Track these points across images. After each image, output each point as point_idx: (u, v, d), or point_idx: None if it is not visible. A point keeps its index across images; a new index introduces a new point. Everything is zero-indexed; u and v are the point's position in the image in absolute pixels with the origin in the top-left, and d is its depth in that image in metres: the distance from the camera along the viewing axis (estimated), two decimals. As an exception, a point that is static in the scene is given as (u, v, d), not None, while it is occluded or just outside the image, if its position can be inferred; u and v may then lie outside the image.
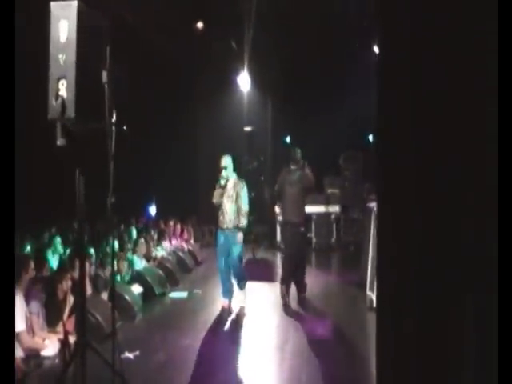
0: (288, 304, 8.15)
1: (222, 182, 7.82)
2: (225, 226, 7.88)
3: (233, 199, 7.85)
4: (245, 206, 7.87)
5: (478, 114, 2.26)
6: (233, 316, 7.60)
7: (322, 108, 14.57)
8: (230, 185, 7.86)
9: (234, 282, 8.07)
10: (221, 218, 7.91)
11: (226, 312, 7.73)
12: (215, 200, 7.89)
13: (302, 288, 8.55)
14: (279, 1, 11.62)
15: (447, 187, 2.34)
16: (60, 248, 8.75)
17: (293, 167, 8.56)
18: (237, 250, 7.90)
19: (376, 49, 11.21)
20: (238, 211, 7.85)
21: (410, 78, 2.41)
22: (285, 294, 8.28)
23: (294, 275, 8.50)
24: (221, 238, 7.97)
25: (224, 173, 7.82)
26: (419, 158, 2.39)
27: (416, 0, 2.44)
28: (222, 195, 7.84)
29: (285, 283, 8.37)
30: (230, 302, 7.95)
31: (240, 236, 7.88)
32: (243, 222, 7.85)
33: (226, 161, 7.89)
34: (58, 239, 8.88)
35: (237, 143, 14.46)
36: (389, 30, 2.53)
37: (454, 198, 2.32)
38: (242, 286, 8.11)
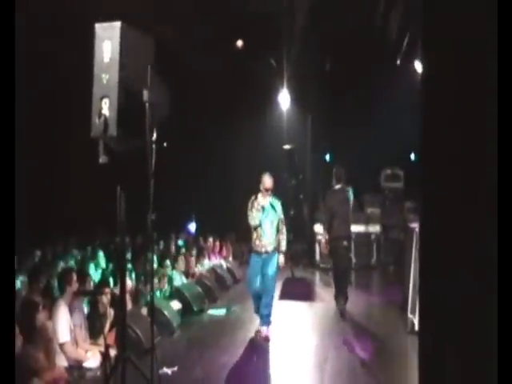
0: (344, 314, 8.57)
1: (264, 203, 7.38)
2: (263, 250, 7.40)
3: (273, 223, 7.44)
4: (285, 229, 7.59)
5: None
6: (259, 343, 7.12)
7: (362, 125, 14.49)
8: (270, 207, 7.43)
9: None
10: (257, 242, 7.43)
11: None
12: (254, 222, 7.38)
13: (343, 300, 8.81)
14: (319, 18, 11.66)
15: (495, 208, 2.27)
16: (102, 262, 8.90)
17: (337, 187, 9.00)
18: (273, 271, 7.44)
19: (417, 65, 11.13)
20: (278, 234, 7.48)
21: (455, 95, 2.37)
22: (341, 305, 8.71)
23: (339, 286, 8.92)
24: (257, 262, 7.48)
25: (267, 195, 7.44)
26: (464, 177, 2.34)
27: (460, 15, 2.41)
28: (261, 218, 7.36)
29: (338, 297, 8.87)
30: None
31: (281, 260, 7.55)
32: (284, 244, 7.54)
33: (271, 182, 7.48)
34: (101, 253, 9.04)
35: (276, 161, 14.50)
36: (433, 47, 2.51)
37: (504, 220, 2.25)
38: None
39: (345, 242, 8.92)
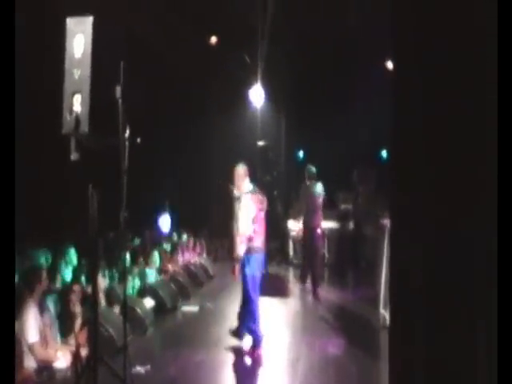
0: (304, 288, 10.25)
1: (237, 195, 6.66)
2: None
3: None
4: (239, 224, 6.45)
5: (493, 130, 2.22)
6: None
7: (335, 123, 14.58)
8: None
9: None
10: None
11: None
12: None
13: (317, 283, 10.13)
14: (293, 15, 11.69)
15: (462, 204, 2.30)
16: (74, 260, 8.76)
17: (308, 183, 10.36)
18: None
19: (389, 64, 11.23)
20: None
21: (424, 94, 2.39)
22: (303, 282, 10.52)
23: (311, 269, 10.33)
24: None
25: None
26: (433, 174, 2.36)
27: (429, 15, 2.42)
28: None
29: (303, 274, 10.54)
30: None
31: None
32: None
33: (240, 171, 6.70)
34: (72, 251, 8.90)
35: (250, 158, 14.46)
36: (402, 46, 2.52)
37: (472, 216, 2.28)
38: None
39: (319, 230, 10.44)
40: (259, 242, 6.54)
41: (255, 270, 6.44)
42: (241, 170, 6.74)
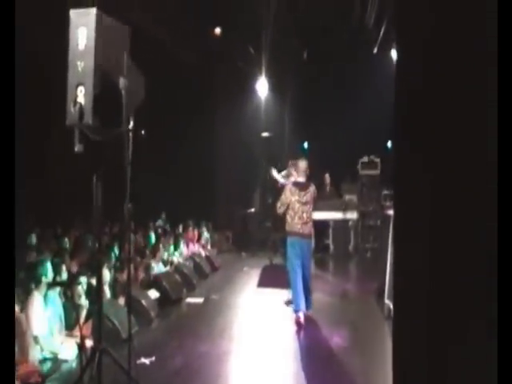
0: None
1: None
2: None
3: None
4: None
5: (503, 122, 2.20)
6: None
7: (340, 114, 14.54)
8: None
9: None
10: None
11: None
12: None
13: None
14: (297, 6, 11.65)
15: (466, 195, 2.30)
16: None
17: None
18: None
19: (394, 54, 11.19)
20: None
21: (429, 84, 2.37)
22: None
23: None
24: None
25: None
26: (438, 165, 2.35)
27: (435, 5, 2.41)
28: None
29: None
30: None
31: None
32: None
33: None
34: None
35: (254, 149, 14.50)
36: (407, 35, 2.51)
37: (473, 206, 2.28)
38: None
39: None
40: (295, 227, 7.61)
41: (291, 250, 7.65)
42: (301, 164, 7.80)
